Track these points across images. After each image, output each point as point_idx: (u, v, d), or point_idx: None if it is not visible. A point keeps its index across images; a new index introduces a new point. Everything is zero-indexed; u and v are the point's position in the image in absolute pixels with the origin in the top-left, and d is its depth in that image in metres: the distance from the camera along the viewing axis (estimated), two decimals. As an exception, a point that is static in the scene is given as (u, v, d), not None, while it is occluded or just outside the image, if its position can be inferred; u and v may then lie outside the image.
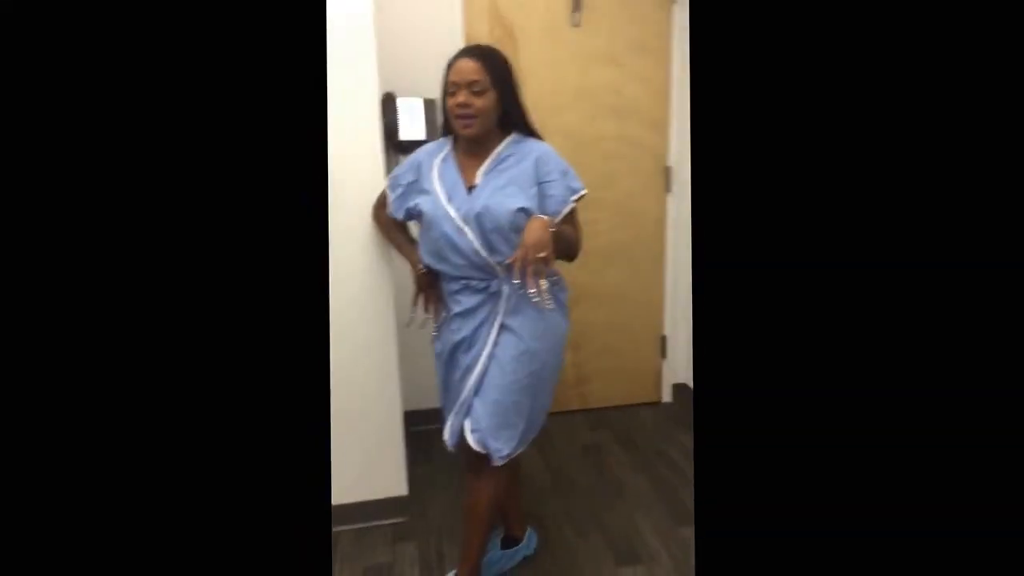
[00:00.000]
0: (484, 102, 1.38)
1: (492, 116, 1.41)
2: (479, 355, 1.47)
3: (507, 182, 1.41)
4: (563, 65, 2.37)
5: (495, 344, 1.46)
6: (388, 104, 2.14)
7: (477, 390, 1.49)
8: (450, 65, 1.41)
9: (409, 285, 1.64)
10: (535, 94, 2.32)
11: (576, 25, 2.35)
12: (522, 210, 1.37)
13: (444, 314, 1.56)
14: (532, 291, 1.30)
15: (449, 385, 1.57)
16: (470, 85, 1.37)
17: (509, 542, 1.80)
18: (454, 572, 1.62)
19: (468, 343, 1.49)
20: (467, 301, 1.47)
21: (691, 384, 2.82)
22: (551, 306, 1.41)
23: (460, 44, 2.21)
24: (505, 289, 1.43)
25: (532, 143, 1.47)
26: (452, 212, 1.41)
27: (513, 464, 1.58)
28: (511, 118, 1.46)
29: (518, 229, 1.36)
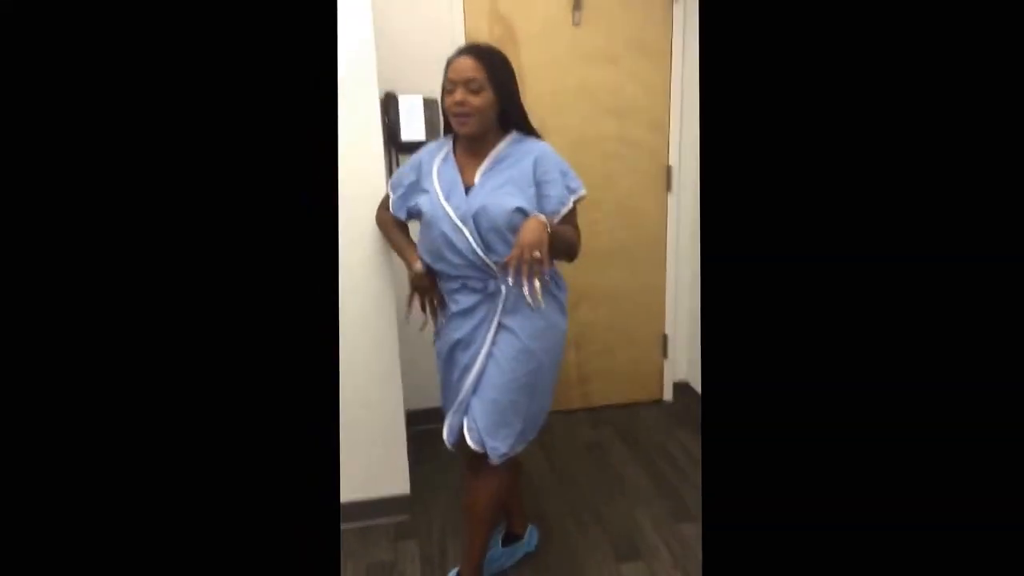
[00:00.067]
0: (481, 100, 1.38)
1: (489, 114, 1.41)
2: (477, 354, 1.48)
3: (505, 182, 1.41)
4: (563, 64, 2.38)
5: (493, 343, 1.47)
6: (389, 104, 2.15)
7: (475, 389, 1.49)
8: (449, 63, 1.41)
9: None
10: (535, 93, 2.34)
11: (576, 24, 2.35)
12: (519, 210, 1.37)
13: (441, 314, 1.56)
14: (526, 289, 1.30)
15: (448, 384, 1.58)
16: (467, 83, 1.37)
17: (510, 539, 1.81)
18: (456, 570, 1.63)
19: (466, 342, 1.49)
20: (465, 300, 1.47)
21: (692, 382, 2.82)
22: (543, 306, 1.41)
23: (461, 43, 2.22)
24: (503, 289, 1.43)
25: (531, 143, 1.47)
26: (450, 211, 1.41)
27: (514, 462, 1.58)
28: (510, 117, 1.46)
29: (514, 229, 1.36)
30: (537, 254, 1.27)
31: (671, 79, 2.47)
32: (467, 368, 1.50)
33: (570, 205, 1.44)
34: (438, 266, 1.49)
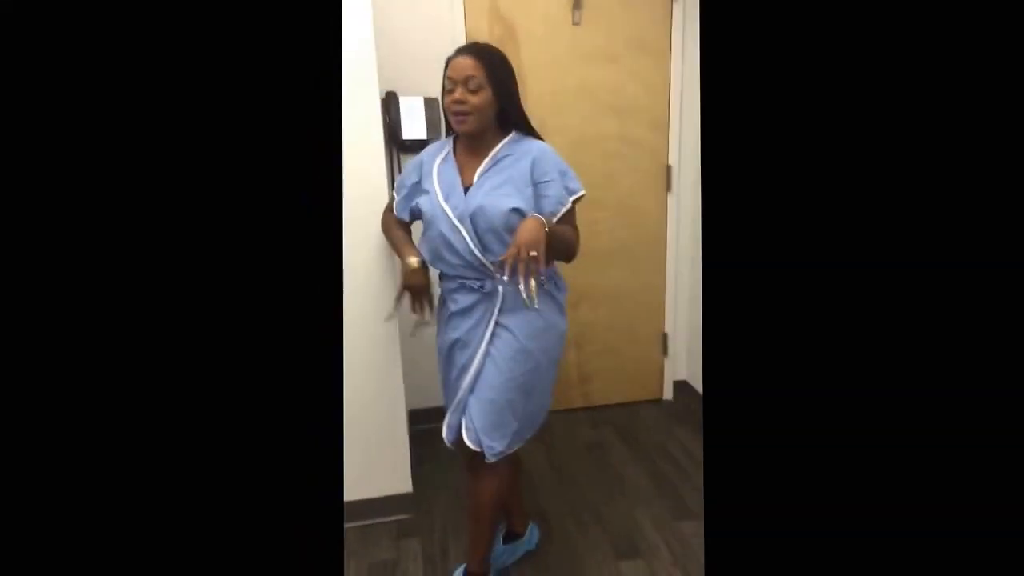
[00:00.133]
0: (480, 99, 1.38)
1: (488, 113, 1.41)
2: (475, 354, 1.48)
3: (503, 182, 1.41)
4: (563, 64, 2.38)
5: (490, 343, 1.47)
6: (389, 103, 2.15)
7: (472, 388, 1.50)
8: (448, 62, 1.41)
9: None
10: (535, 93, 2.34)
11: (577, 24, 2.36)
12: (516, 210, 1.37)
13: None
14: (522, 288, 1.30)
15: (448, 383, 1.59)
16: (466, 81, 1.37)
17: (511, 537, 1.81)
18: (462, 567, 1.64)
19: (464, 342, 1.50)
20: (463, 300, 1.48)
21: (692, 381, 2.83)
22: (537, 305, 1.41)
23: (461, 43, 2.22)
24: (500, 289, 1.44)
25: (530, 143, 1.47)
26: (448, 211, 1.42)
27: (513, 461, 1.59)
28: (509, 117, 1.46)
29: (511, 229, 1.37)
30: (533, 253, 1.27)
31: (671, 78, 2.47)
32: (465, 368, 1.51)
33: (568, 205, 1.44)
34: (438, 266, 1.50)
